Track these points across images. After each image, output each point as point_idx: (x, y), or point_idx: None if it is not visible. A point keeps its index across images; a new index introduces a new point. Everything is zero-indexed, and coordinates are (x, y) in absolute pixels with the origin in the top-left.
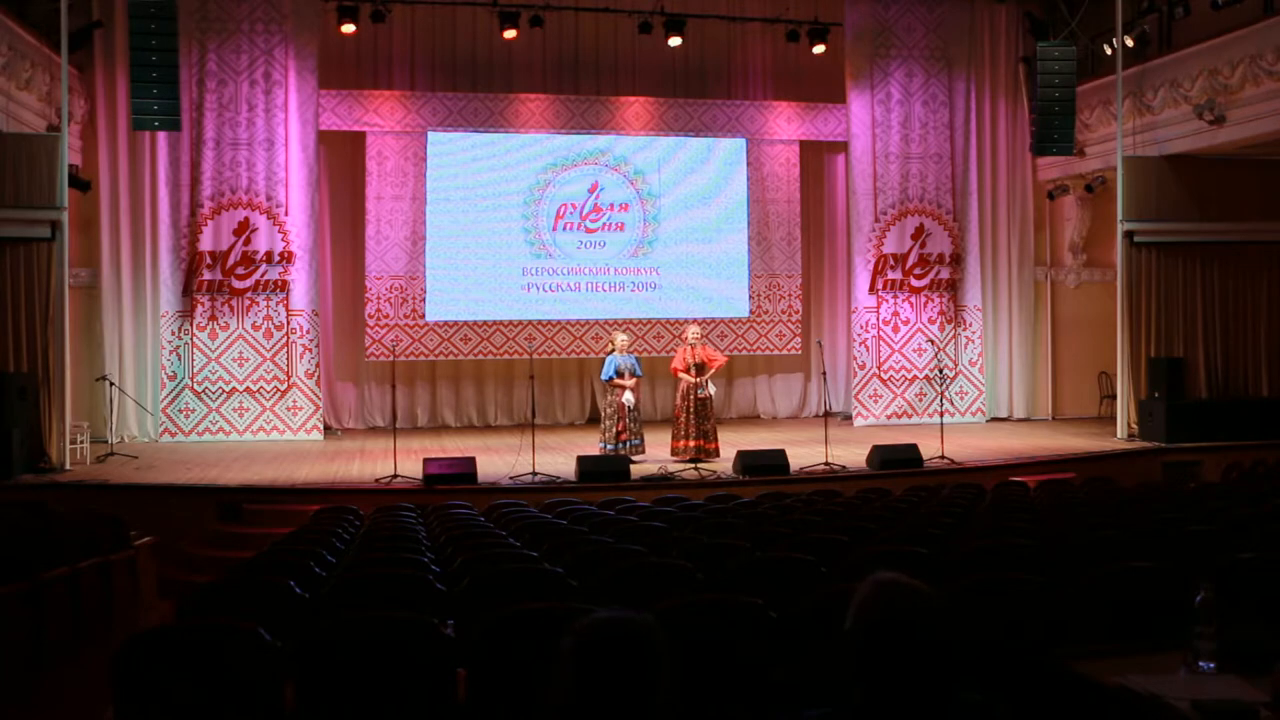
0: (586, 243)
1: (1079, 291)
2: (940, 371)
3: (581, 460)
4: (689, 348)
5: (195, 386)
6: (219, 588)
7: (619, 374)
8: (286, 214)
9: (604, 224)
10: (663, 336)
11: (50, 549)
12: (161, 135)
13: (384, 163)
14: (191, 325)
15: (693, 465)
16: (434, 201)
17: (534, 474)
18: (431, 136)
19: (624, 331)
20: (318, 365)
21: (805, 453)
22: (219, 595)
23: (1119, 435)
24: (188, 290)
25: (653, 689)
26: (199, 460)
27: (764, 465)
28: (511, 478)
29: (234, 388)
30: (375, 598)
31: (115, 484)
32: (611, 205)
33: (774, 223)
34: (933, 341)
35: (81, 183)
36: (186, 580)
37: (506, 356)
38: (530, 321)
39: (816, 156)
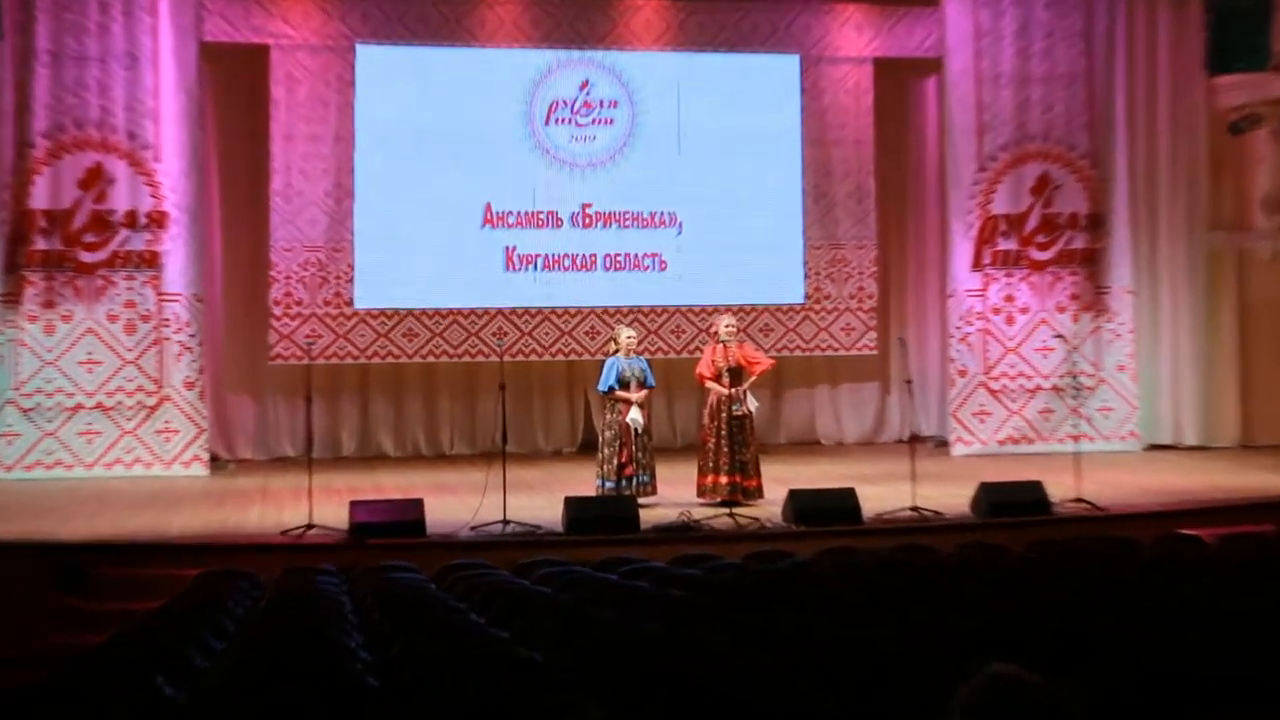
0: (582, 194)
1: (1277, 266)
2: (1074, 379)
3: (571, 504)
4: (721, 346)
5: (21, 401)
6: (50, 694)
7: (623, 383)
8: (156, 159)
9: (600, 143)
10: (683, 331)
11: None
12: None
13: (295, 89)
14: (17, 315)
15: (727, 510)
16: (366, 143)
17: (505, 523)
18: (362, 52)
19: (630, 325)
20: (201, 371)
21: (883, 493)
22: (50, 704)
23: None
24: (12, 266)
25: None
26: (24, 506)
27: (826, 510)
28: (474, 528)
29: (79, 403)
30: (278, 698)
31: None
32: (609, 119)
33: (838, 173)
34: (1063, 337)
35: None
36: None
37: (467, 359)
38: (501, 310)
39: (898, 81)
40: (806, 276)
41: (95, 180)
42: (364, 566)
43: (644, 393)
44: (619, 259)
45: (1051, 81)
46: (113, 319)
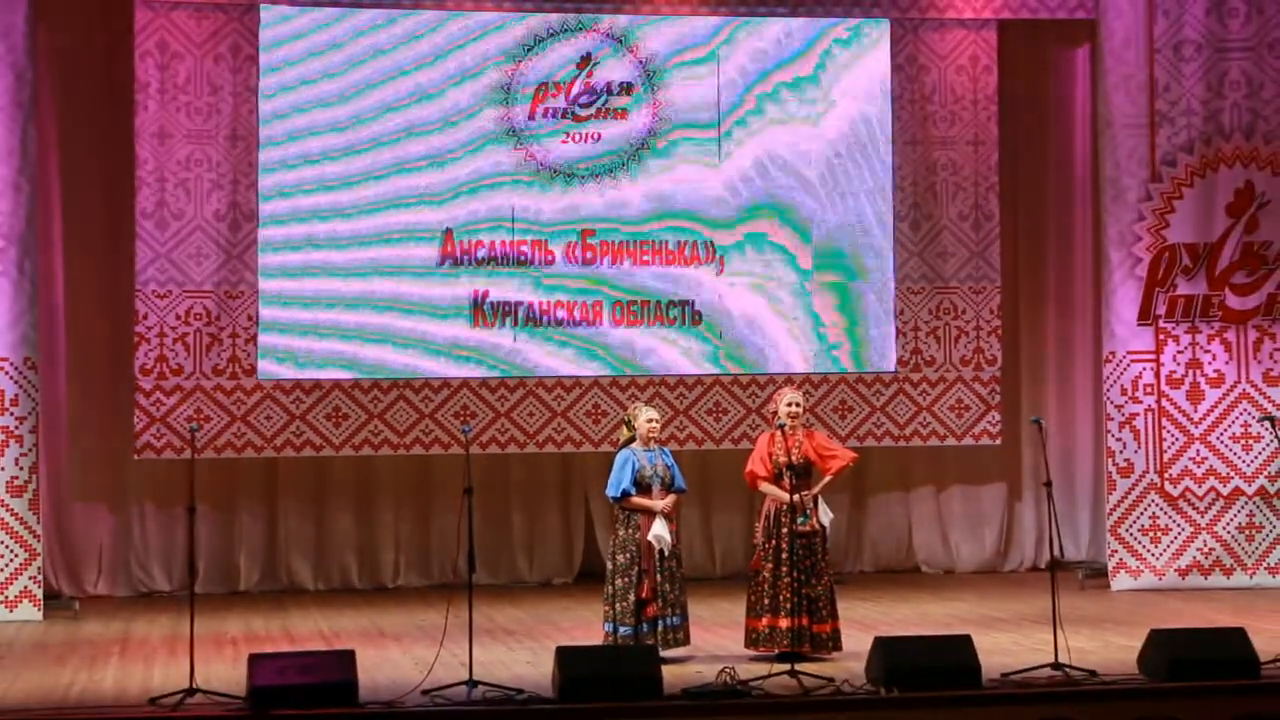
0: (582, 217)
1: None
2: None
3: (566, 658)
4: (781, 434)
5: None
6: None
7: (641, 486)
8: None
9: (608, 144)
10: (726, 411)
11: None
12: None
13: (173, 66)
14: None
15: (788, 667)
16: (275, 143)
17: (471, 683)
18: (268, 14)
19: (651, 403)
20: (34, 470)
21: (1012, 643)
22: None
23: None
24: None
25: None
26: None
27: (929, 668)
28: (427, 692)
29: None
30: None
31: None
32: (620, 111)
33: (948, 187)
34: (1274, 420)
35: None
36: None
37: (419, 451)
38: (466, 381)
39: (1033, 53)
40: (900, 333)
41: None
42: None
43: (672, 498)
44: (633, 308)
45: (1260, 51)
46: None
